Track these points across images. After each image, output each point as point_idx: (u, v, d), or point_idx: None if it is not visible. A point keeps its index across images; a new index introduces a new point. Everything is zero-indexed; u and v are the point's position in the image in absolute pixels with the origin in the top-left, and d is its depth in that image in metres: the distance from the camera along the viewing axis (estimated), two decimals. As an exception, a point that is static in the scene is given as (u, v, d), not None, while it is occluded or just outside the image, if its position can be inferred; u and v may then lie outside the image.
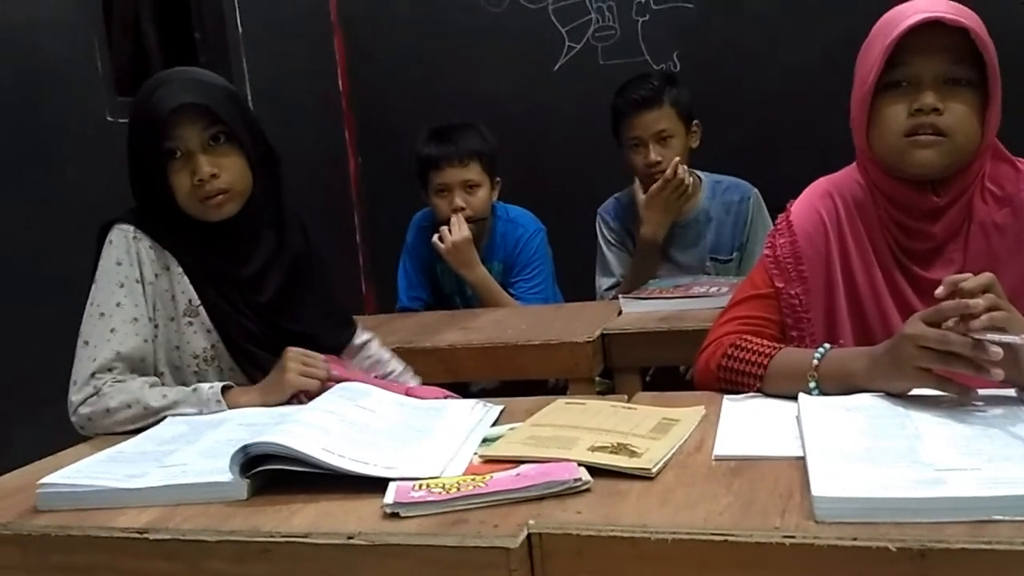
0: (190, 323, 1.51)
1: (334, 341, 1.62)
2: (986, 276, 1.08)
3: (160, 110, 1.43)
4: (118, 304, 1.46)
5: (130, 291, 1.47)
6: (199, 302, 1.51)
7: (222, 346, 1.51)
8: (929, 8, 1.24)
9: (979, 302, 1.05)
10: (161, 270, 1.51)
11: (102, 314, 1.46)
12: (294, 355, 1.44)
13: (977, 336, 1.03)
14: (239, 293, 1.52)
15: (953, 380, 1.09)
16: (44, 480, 1.10)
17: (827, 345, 1.25)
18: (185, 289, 1.51)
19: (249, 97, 3.14)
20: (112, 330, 1.45)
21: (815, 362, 1.22)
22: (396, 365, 1.75)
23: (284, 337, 1.49)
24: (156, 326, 1.50)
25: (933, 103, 1.24)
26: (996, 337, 1.03)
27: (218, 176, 1.45)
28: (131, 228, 1.49)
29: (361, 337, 1.72)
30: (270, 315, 1.53)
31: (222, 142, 1.47)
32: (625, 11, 3.41)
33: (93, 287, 1.49)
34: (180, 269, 1.51)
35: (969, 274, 1.09)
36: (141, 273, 1.48)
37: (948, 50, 1.24)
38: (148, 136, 1.45)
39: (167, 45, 3.01)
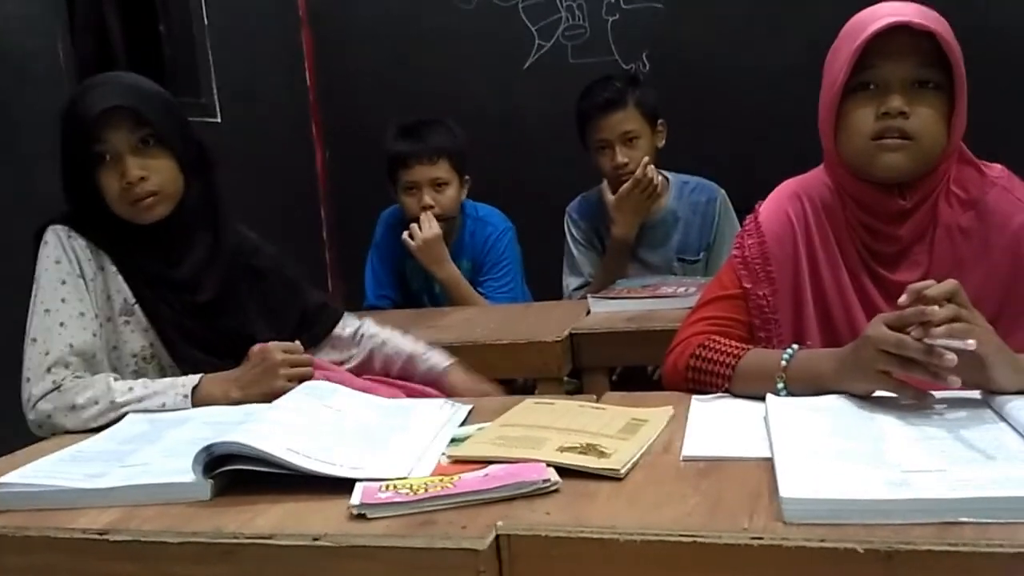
0: (126, 322, 1.50)
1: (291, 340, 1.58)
2: (949, 284, 1.09)
3: (89, 113, 1.44)
4: (63, 300, 1.45)
5: (74, 286, 1.46)
6: (134, 301, 1.50)
7: (160, 345, 1.50)
8: (896, 12, 1.25)
9: (936, 309, 1.05)
10: (97, 270, 1.50)
11: (47, 310, 1.44)
12: (282, 359, 1.42)
13: (931, 342, 1.04)
14: (175, 294, 1.51)
15: (910, 384, 1.10)
16: (1, 480, 1.08)
17: (795, 346, 1.26)
18: (120, 288, 1.50)
19: (215, 91, 3.10)
20: (61, 324, 1.44)
21: (783, 363, 1.23)
22: (396, 338, 1.75)
23: (228, 338, 1.48)
24: (100, 325, 1.48)
25: (900, 106, 1.25)
26: (949, 343, 1.03)
27: (147, 179, 1.46)
28: (65, 228, 1.50)
29: (348, 328, 1.71)
30: (210, 316, 1.53)
31: (151, 145, 1.48)
32: (595, 10, 3.42)
33: (35, 288, 1.48)
34: (114, 268, 1.51)
35: (932, 281, 1.09)
36: (81, 270, 1.48)
37: (915, 53, 1.25)
38: (78, 139, 1.46)
39: (131, 38, 2.96)
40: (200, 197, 1.55)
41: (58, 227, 1.50)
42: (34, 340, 1.43)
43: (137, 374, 1.49)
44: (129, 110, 1.45)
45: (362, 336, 1.72)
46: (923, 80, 1.26)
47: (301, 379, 1.40)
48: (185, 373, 1.47)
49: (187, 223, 1.54)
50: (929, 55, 1.25)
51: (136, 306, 1.50)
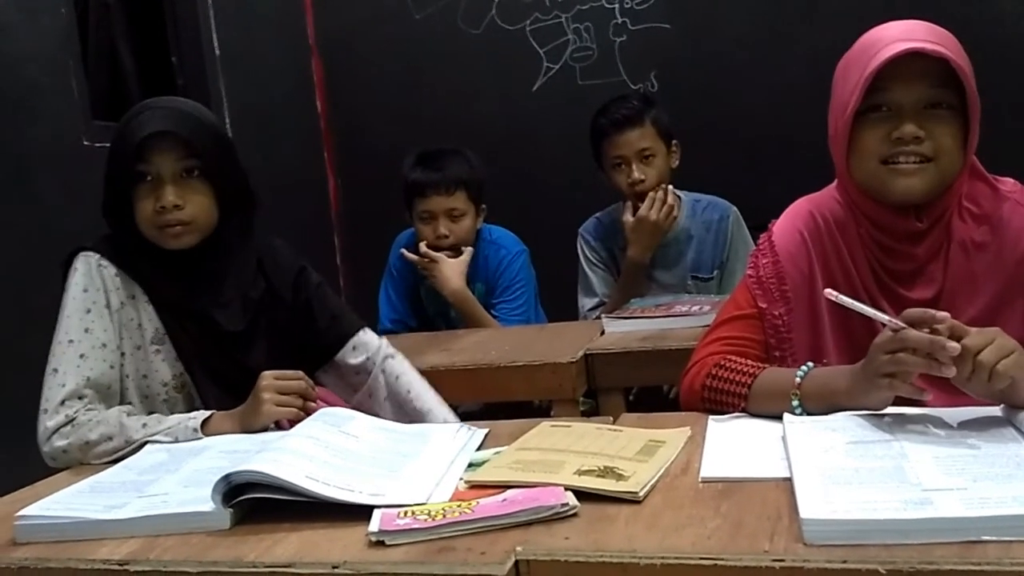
0: (158, 351, 1.50)
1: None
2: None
3: (136, 134, 1.44)
4: (87, 330, 1.46)
5: (99, 316, 1.47)
6: (165, 331, 1.50)
7: (188, 376, 1.51)
8: (907, 35, 1.24)
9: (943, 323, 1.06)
10: (127, 298, 1.50)
11: (71, 340, 1.45)
12: (268, 383, 1.41)
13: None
14: (200, 326, 1.51)
15: (920, 385, 1.10)
16: (22, 512, 1.08)
17: (810, 364, 1.25)
18: (152, 317, 1.50)
19: (227, 119, 3.13)
20: (81, 356, 1.44)
21: (797, 380, 1.22)
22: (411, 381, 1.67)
23: (250, 375, 1.45)
24: (123, 354, 1.49)
25: (914, 132, 1.25)
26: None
27: (182, 208, 1.46)
28: (96, 256, 1.50)
29: (356, 357, 1.63)
30: (234, 350, 1.52)
31: (195, 176, 1.48)
32: (602, 31, 3.44)
33: (61, 314, 1.48)
34: (146, 297, 1.51)
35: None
36: (108, 300, 1.48)
37: (928, 76, 1.25)
38: (122, 157, 1.46)
39: (144, 69, 3.00)
40: (238, 231, 1.55)
41: (89, 254, 1.50)
42: (55, 370, 1.44)
43: (168, 403, 1.50)
44: (179, 137, 1.45)
45: (370, 367, 1.64)
46: (936, 101, 1.26)
47: (287, 405, 1.39)
48: (207, 407, 1.47)
49: (221, 257, 1.53)
50: (941, 76, 1.24)
51: (167, 336, 1.50)
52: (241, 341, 1.53)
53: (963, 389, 1.09)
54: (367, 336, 1.66)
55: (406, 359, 1.70)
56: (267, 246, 1.64)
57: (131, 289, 1.50)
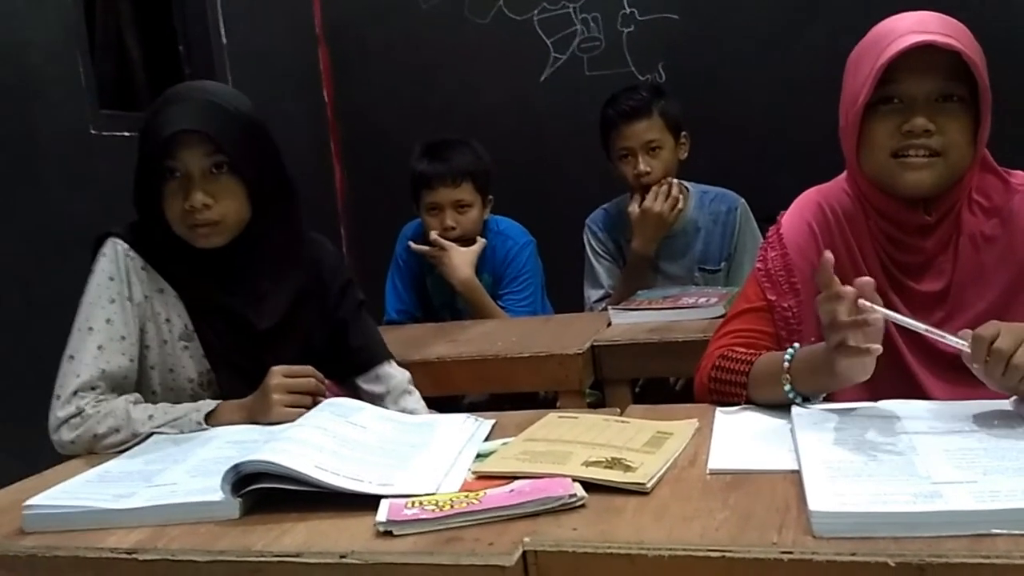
0: (185, 347, 1.49)
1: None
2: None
3: (164, 130, 1.40)
4: (108, 320, 1.45)
5: (121, 307, 1.46)
6: (193, 327, 1.49)
7: (214, 374, 1.50)
8: (920, 27, 1.23)
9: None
10: (153, 292, 1.49)
11: (91, 329, 1.44)
12: (278, 382, 1.39)
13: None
14: (229, 324, 1.49)
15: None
16: (30, 501, 1.08)
17: (796, 345, 1.25)
18: (181, 313, 1.49)
19: (234, 109, 3.13)
20: (99, 347, 1.43)
21: (786, 364, 1.22)
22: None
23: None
24: (147, 347, 1.48)
25: (924, 125, 1.24)
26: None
27: (211, 207, 1.42)
28: (125, 245, 1.48)
29: (377, 385, 1.62)
30: (264, 348, 1.49)
31: (224, 171, 1.44)
32: (610, 22, 3.42)
33: (83, 299, 1.46)
34: (175, 293, 1.49)
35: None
36: (131, 292, 1.47)
37: (939, 68, 1.24)
38: (150, 152, 1.42)
39: (151, 58, 3.00)
40: (274, 228, 1.51)
41: (118, 241, 1.48)
42: (71, 357, 1.43)
43: (193, 397, 1.48)
44: (205, 135, 1.40)
45: (385, 396, 1.62)
46: (947, 93, 1.25)
47: (299, 405, 1.38)
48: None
49: (253, 252, 1.49)
50: (953, 68, 1.23)
51: (195, 332, 1.48)
52: (270, 340, 1.50)
53: (988, 384, 1.08)
54: (391, 368, 1.65)
55: (421, 399, 1.67)
56: (318, 243, 1.62)
57: (158, 283, 1.49)
